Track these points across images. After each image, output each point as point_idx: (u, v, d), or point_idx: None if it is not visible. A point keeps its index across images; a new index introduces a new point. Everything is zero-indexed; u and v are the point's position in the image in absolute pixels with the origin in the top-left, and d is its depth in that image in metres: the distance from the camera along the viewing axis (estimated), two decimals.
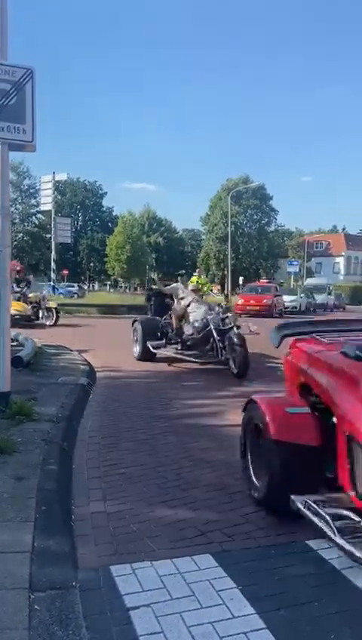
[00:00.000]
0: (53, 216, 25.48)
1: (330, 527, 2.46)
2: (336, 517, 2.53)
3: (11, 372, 4.95)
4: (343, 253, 67.49)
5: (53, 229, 25.18)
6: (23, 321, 14.32)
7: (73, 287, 41.33)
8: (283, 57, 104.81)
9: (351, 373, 2.87)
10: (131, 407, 5.87)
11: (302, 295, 32.26)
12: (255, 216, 64.23)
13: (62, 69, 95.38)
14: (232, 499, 3.40)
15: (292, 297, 30.65)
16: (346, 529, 2.46)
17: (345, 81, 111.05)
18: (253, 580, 2.44)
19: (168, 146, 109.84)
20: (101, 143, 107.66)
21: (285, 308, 28.00)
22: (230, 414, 5.65)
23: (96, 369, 7.94)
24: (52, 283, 28.37)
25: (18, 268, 16.90)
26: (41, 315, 15.33)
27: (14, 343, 8.18)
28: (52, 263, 25.39)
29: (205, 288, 11.67)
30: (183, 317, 8.91)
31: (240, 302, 24.42)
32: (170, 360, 8.86)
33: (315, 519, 2.57)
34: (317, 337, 3.67)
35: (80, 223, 72.31)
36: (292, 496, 2.78)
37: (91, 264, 70.84)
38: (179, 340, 8.86)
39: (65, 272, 49.33)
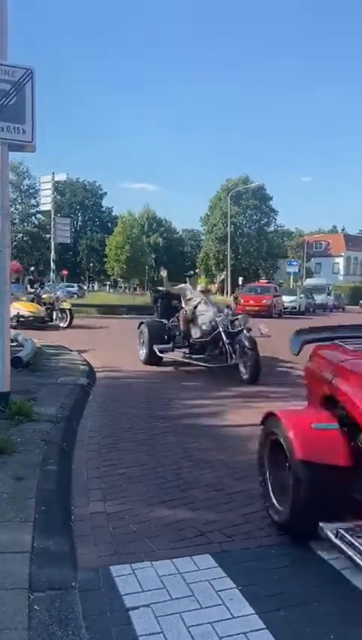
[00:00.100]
0: (52, 216, 25.41)
1: None
2: None
3: (11, 372, 4.96)
4: (342, 254, 67.52)
5: (52, 229, 25.10)
6: (36, 323, 14.20)
7: (73, 287, 41.32)
8: (283, 57, 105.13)
9: None
10: (131, 407, 5.87)
11: (301, 295, 32.28)
12: (254, 217, 64.24)
13: (62, 69, 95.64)
14: (232, 499, 3.40)
15: (292, 298, 30.67)
16: None
17: (345, 81, 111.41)
18: (253, 580, 2.44)
19: (168, 146, 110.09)
20: (101, 143, 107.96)
21: (284, 308, 28.01)
22: (229, 414, 5.66)
23: (96, 369, 7.95)
24: (51, 283, 28.35)
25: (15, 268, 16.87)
26: (55, 316, 15.03)
27: (14, 344, 8.19)
28: (51, 263, 25.32)
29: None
30: (191, 319, 8.50)
31: (241, 302, 24.42)
32: (176, 364, 8.60)
33: (350, 552, 2.35)
34: (341, 344, 3.38)
35: (79, 223, 72.31)
36: (321, 524, 2.56)
37: (91, 264, 70.86)
38: (186, 344, 8.58)
39: (65, 272, 49.32)
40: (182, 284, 9.51)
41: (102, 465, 3.99)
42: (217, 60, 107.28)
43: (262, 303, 24.72)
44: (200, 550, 2.72)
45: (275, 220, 66.88)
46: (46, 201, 26.85)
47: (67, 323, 14.83)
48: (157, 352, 8.55)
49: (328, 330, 3.87)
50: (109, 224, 69.63)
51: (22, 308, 14.36)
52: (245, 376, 7.45)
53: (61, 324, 14.81)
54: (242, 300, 23.37)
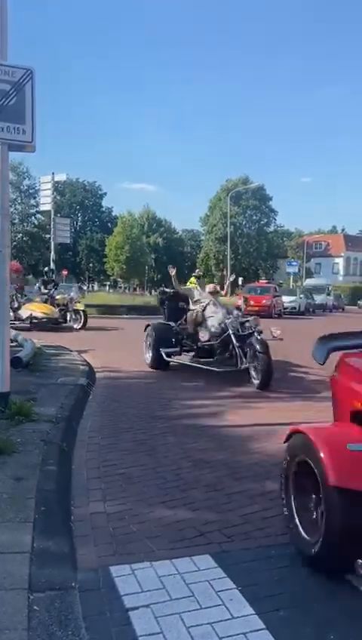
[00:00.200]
0: (52, 216, 25.43)
1: None
2: None
3: (10, 372, 4.95)
4: (342, 254, 67.57)
5: (52, 230, 25.12)
6: (50, 324, 14.08)
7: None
8: (283, 57, 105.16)
9: None
10: (131, 407, 5.87)
11: (301, 296, 32.32)
12: (254, 217, 64.28)
13: (62, 69, 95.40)
14: (231, 499, 3.40)
15: (292, 298, 30.71)
16: None
17: (345, 81, 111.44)
18: (253, 581, 2.44)
19: (168, 146, 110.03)
20: (101, 143, 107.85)
21: (284, 308, 28.03)
22: (229, 415, 5.66)
23: (95, 369, 7.95)
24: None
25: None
26: (68, 317, 14.85)
27: (13, 344, 8.19)
28: (51, 264, 25.30)
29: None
30: (200, 321, 8.18)
31: (239, 302, 24.40)
32: (177, 364, 8.45)
33: None
34: None
35: (79, 224, 72.28)
36: (360, 560, 2.25)
37: (90, 264, 70.83)
38: (194, 347, 8.27)
39: (65, 272, 49.32)
40: (190, 285, 9.20)
41: (102, 465, 3.99)
42: (217, 59, 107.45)
43: (261, 303, 24.70)
44: (200, 550, 2.72)
45: (275, 220, 67.04)
46: (46, 202, 26.86)
47: (81, 324, 14.60)
48: (164, 356, 8.29)
49: (356, 335, 3.38)
50: (109, 224, 69.62)
51: (35, 309, 14.24)
52: (256, 382, 7.13)
53: (75, 326, 14.60)
54: (233, 301, 23.31)
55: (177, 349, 8.40)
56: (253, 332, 7.46)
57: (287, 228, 74.58)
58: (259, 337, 7.34)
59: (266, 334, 7.64)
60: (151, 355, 8.52)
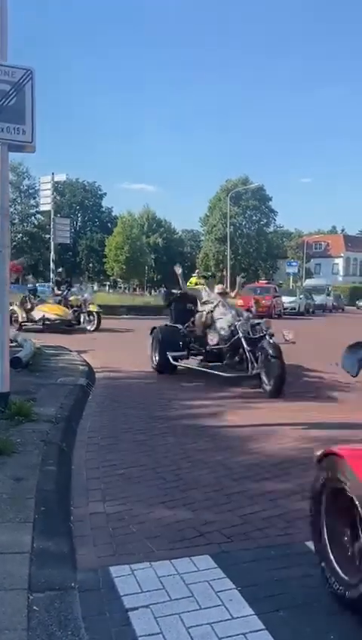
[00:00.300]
0: (52, 216, 25.41)
1: None
2: None
3: (10, 373, 4.96)
4: (342, 254, 67.59)
5: (52, 230, 25.10)
6: (63, 326, 13.97)
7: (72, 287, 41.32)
8: (283, 57, 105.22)
9: None
10: (130, 407, 5.87)
11: (301, 296, 32.28)
12: (254, 217, 64.36)
13: (62, 69, 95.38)
14: (231, 499, 3.40)
15: (292, 298, 30.68)
16: None
17: (345, 81, 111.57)
18: (252, 581, 2.44)
19: (168, 146, 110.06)
20: (101, 143, 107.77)
21: (284, 309, 28.03)
22: (228, 415, 5.66)
23: (95, 369, 7.94)
24: (51, 283, 28.36)
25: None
26: (82, 319, 14.65)
27: (13, 344, 8.19)
28: (51, 264, 25.29)
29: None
30: (208, 324, 7.89)
31: (239, 303, 24.42)
32: (191, 372, 8.02)
33: None
34: None
35: (79, 224, 72.34)
36: None
37: (90, 265, 70.84)
38: (203, 351, 7.96)
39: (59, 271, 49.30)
40: (198, 286, 8.99)
41: (101, 465, 3.99)
42: (217, 60, 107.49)
43: (261, 303, 24.68)
44: (200, 551, 2.72)
45: (275, 220, 67.23)
46: (46, 202, 26.85)
47: (95, 326, 14.42)
48: (171, 360, 7.95)
49: None
50: (109, 224, 69.65)
51: (47, 311, 14.10)
52: (267, 388, 6.71)
53: (88, 327, 14.41)
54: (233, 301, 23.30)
55: (185, 352, 8.11)
56: (265, 335, 7.07)
57: (287, 228, 74.83)
58: (271, 341, 6.94)
59: (278, 337, 7.22)
60: (156, 358, 8.21)
